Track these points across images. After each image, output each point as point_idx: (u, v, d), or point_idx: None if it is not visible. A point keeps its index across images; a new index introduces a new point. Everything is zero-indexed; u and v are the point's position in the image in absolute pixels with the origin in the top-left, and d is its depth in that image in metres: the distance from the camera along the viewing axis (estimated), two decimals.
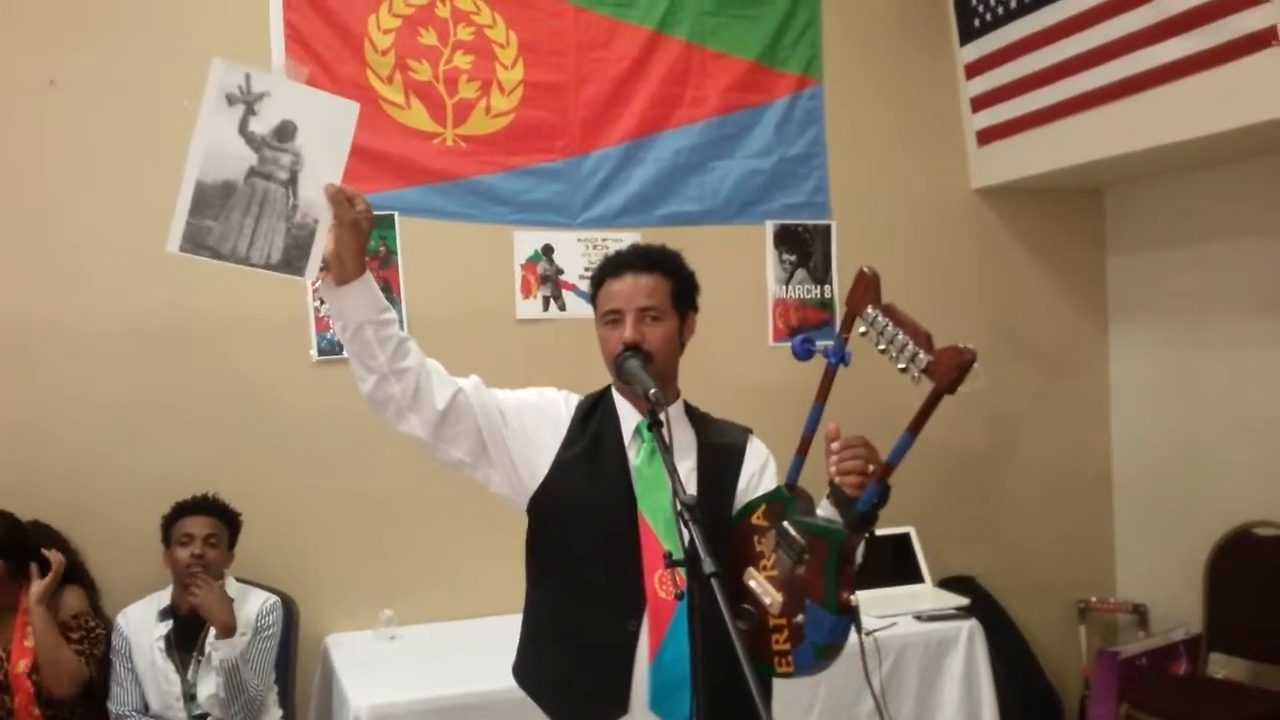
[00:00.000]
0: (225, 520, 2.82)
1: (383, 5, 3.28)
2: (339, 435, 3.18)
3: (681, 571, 1.48)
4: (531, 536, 1.92)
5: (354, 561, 3.24)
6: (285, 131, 1.64)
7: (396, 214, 3.29)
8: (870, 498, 1.55)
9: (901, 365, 1.51)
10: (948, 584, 3.68)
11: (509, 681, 1.94)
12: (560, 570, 1.86)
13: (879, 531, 1.65)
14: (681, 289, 1.88)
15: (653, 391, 1.65)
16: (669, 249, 1.92)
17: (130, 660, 2.71)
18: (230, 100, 1.61)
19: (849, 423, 1.63)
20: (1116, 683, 3.51)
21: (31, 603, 2.63)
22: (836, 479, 1.60)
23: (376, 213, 1.75)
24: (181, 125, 1.69)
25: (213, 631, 2.64)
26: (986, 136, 3.89)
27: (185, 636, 2.71)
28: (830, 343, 1.65)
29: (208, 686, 2.65)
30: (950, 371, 1.43)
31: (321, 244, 1.68)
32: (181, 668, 2.69)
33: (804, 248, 3.78)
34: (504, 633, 2.03)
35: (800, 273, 3.78)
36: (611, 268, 1.88)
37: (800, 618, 1.62)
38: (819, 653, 1.62)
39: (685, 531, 1.47)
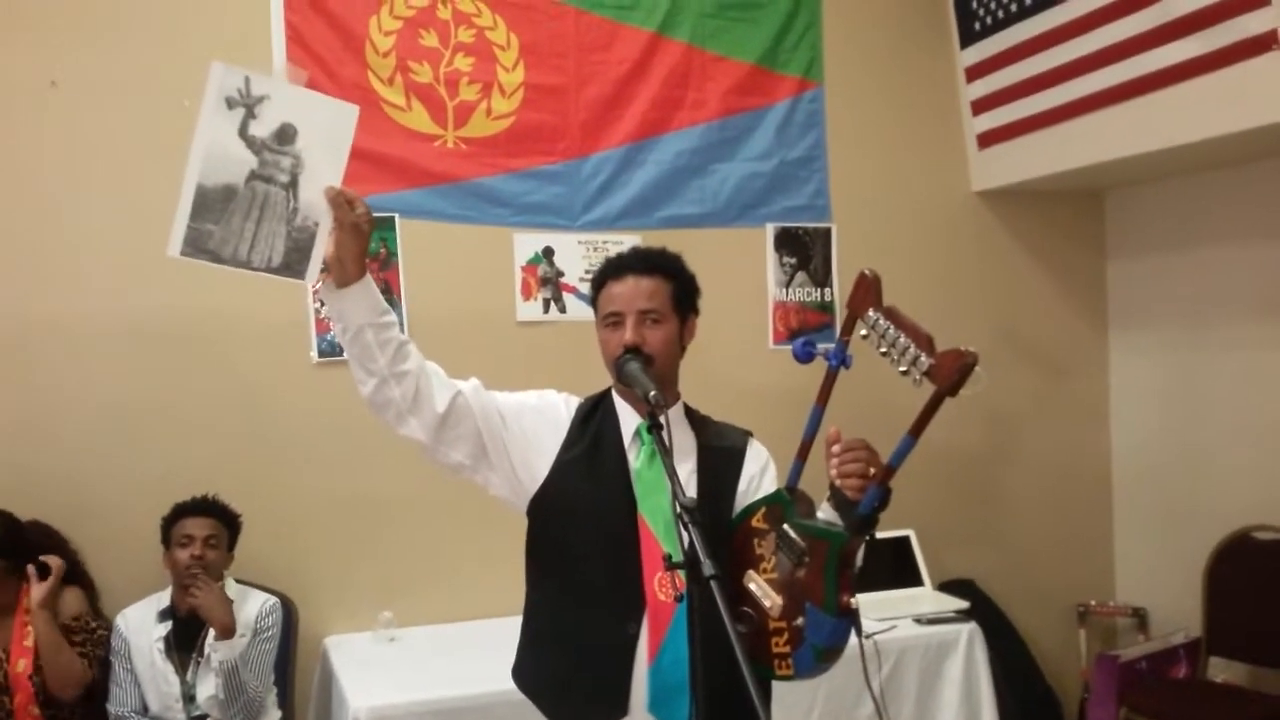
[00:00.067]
0: (225, 521, 2.82)
1: (384, 7, 3.28)
2: (339, 437, 3.18)
3: (681, 574, 1.48)
4: (531, 538, 1.92)
5: (353, 563, 3.24)
6: (285, 134, 1.64)
7: (397, 216, 3.29)
8: (871, 500, 1.55)
9: (903, 368, 1.50)
10: (947, 587, 3.67)
11: (508, 683, 1.94)
12: (560, 572, 1.86)
13: (879, 534, 1.64)
14: (682, 292, 1.88)
15: (653, 394, 1.64)
16: (669, 252, 1.92)
17: (129, 661, 2.71)
18: (230, 103, 1.61)
19: (850, 425, 1.62)
20: (1116, 686, 3.51)
21: (33, 607, 2.62)
22: (837, 482, 1.60)
23: (377, 215, 1.75)
24: (182, 126, 1.69)
25: (212, 633, 2.63)
26: (987, 139, 3.89)
27: (185, 638, 2.71)
28: (831, 345, 1.65)
29: (207, 688, 2.64)
30: (952, 374, 1.43)
31: (322, 247, 1.68)
32: (181, 669, 2.69)
33: (804, 250, 3.78)
34: (503, 635, 2.03)
35: (801, 275, 3.77)
36: (612, 270, 1.87)
37: (800, 620, 1.62)
38: (819, 656, 1.62)
39: (685, 534, 1.47)
